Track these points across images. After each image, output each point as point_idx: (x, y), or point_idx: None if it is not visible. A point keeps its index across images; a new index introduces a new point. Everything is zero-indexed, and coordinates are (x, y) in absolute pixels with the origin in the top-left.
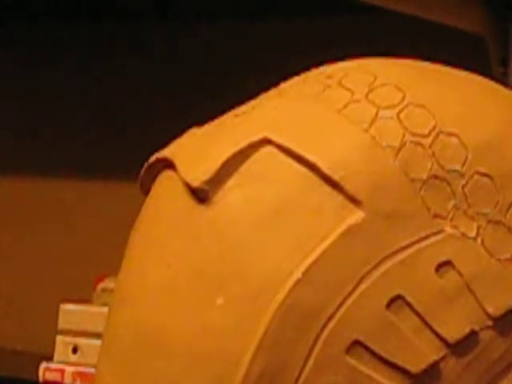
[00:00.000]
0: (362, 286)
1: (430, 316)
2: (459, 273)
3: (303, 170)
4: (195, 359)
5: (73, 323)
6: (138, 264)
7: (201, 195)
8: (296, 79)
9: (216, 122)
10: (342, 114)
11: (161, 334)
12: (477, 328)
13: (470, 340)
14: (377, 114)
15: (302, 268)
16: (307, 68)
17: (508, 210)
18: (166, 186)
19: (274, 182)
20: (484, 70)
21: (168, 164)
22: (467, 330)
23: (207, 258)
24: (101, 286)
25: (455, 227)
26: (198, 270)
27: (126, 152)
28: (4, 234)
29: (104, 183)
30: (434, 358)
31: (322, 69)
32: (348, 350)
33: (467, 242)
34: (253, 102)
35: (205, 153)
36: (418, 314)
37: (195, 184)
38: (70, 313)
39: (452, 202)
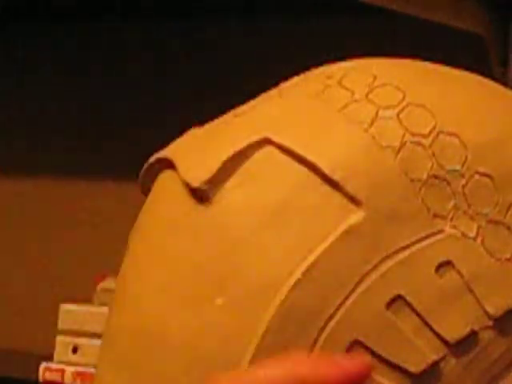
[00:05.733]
0: (362, 286)
1: (430, 316)
2: (459, 273)
3: (303, 169)
4: (195, 359)
5: (73, 323)
6: (139, 264)
7: (201, 195)
8: (296, 79)
9: (216, 121)
10: (341, 114)
11: (161, 334)
12: (477, 328)
13: (470, 340)
14: (377, 114)
15: (302, 268)
16: (307, 68)
17: (508, 209)
18: (166, 186)
19: (273, 182)
20: (484, 70)
21: (168, 164)
22: (467, 330)
23: (207, 258)
24: (101, 286)
25: (455, 227)
26: (197, 269)
27: (126, 152)
28: (4, 234)
29: (104, 183)
30: (433, 358)
31: (321, 69)
32: (348, 350)
33: (467, 242)
34: (253, 102)
35: (205, 153)
36: (418, 314)
37: (195, 184)
38: (70, 313)
39: (452, 202)
